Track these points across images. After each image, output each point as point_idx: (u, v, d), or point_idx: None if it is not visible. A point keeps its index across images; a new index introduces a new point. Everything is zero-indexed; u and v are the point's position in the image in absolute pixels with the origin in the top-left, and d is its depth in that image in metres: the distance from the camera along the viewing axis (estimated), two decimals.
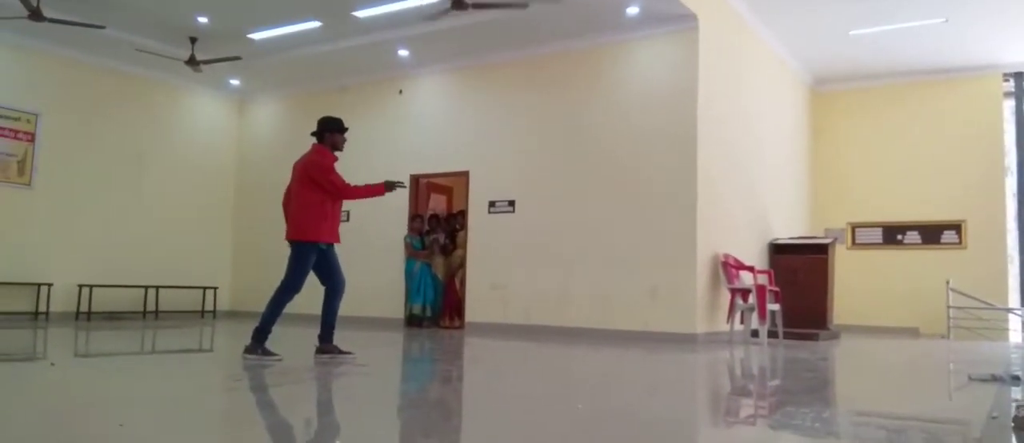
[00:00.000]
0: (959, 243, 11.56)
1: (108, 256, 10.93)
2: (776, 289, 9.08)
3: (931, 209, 11.71)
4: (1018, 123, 11.81)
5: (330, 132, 5.79)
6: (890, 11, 9.70)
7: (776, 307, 8.83)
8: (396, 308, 10.43)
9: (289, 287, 5.55)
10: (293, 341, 6.48)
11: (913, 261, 11.74)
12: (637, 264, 8.75)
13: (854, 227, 12.32)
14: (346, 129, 5.87)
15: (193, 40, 10.23)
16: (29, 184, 10.30)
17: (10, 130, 10.15)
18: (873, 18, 9.94)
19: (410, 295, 10.28)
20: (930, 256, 11.64)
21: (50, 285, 10.26)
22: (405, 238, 10.37)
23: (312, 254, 5.59)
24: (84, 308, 10.53)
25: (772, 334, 8.74)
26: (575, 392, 4.73)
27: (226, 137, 12.72)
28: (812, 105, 12.74)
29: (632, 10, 8.59)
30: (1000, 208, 11.47)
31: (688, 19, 8.62)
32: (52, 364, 5.65)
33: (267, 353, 5.46)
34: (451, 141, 10.48)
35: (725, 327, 8.85)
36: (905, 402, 4.57)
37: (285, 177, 5.85)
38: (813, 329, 9.28)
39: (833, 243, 10.23)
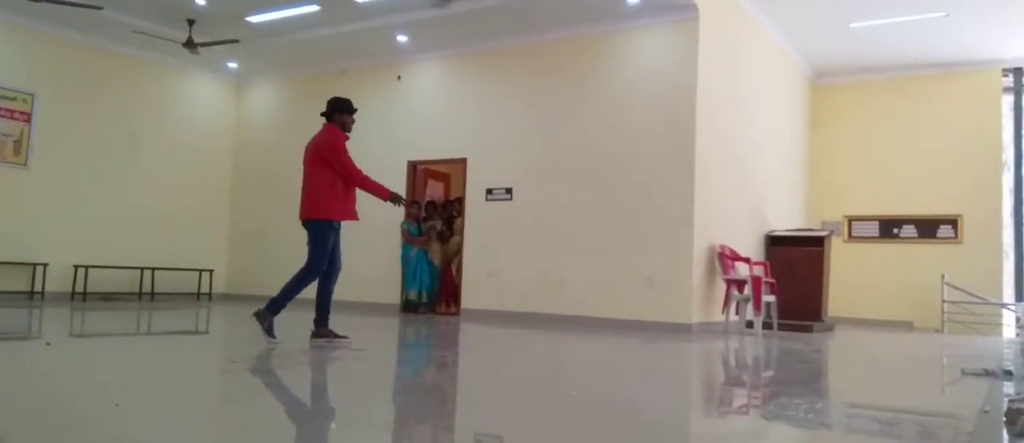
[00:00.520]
0: (955, 238, 11.58)
1: (104, 237, 10.91)
2: (772, 281, 9.10)
3: (928, 203, 11.73)
4: (1016, 119, 11.81)
5: (339, 112, 5.83)
6: (891, 4, 9.68)
7: (771, 298, 8.85)
8: (392, 294, 10.44)
9: (312, 269, 5.60)
10: (289, 325, 6.48)
11: (909, 255, 11.77)
12: (633, 253, 8.76)
13: (850, 220, 12.34)
14: (355, 110, 5.90)
15: (191, 22, 10.17)
16: (25, 164, 10.26)
17: (6, 110, 10.11)
18: (873, 11, 9.92)
19: (406, 281, 10.29)
20: (926, 250, 11.67)
21: (46, 265, 10.25)
22: (402, 224, 10.36)
23: (330, 233, 5.62)
24: (80, 289, 10.52)
25: (767, 325, 8.77)
26: (569, 379, 4.74)
27: (223, 120, 12.67)
28: (811, 98, 12.73)
29: None
30: (996, 203, 11.48)
31: (689, 9, 8.59)
32: (47, 344, 5.65)
33: (270, 333, 5.50)
34: (449, 128, 10.46)
35: (720, 318, 8.87)
36: (898, 395, 4.60)
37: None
38: (808, 321, 9.31)
39: (829, 236, 10.25)
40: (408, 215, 10.39)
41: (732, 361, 6.45)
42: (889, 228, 12.06)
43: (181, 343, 6.56)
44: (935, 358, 7.42)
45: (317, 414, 3.40)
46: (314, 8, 9.70)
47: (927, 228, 11.78)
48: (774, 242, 10.27)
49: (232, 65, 12.05)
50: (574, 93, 9.47)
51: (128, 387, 3.70)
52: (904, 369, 6.29)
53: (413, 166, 10.77)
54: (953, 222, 11.60)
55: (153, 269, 11.29)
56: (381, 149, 10.13)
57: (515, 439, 2.91)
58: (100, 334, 7.00)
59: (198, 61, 11.37)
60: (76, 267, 10.53)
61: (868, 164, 12.22)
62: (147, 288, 11.25)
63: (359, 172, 5.71)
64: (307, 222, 5.66)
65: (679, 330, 8.26)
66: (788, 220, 11.23)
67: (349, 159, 5.68)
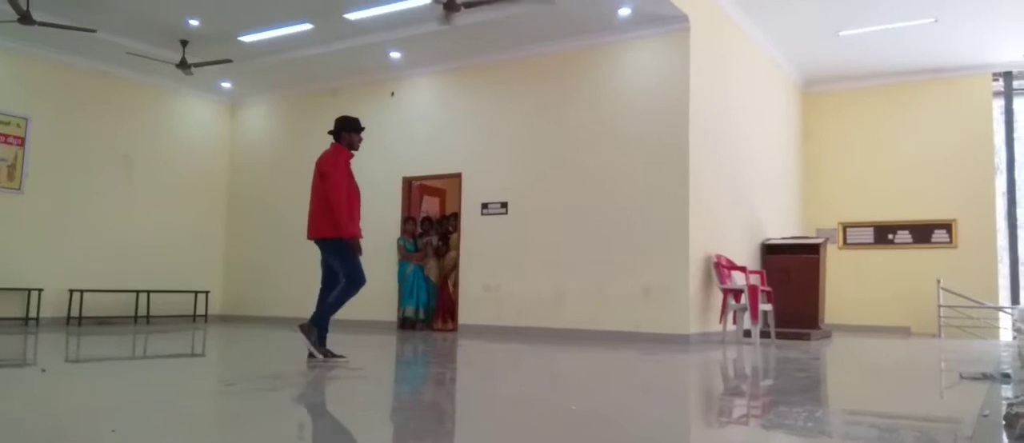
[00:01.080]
0: (950, 242, 11.62)
1: (99, 261, 10.87)
2: (768, 289, 9.11)
3: (922, 209, 11.77)
4: (1007, 122, 11.88)
5: (346, 131, 5.87)
6: (880, 12, 9.75)
7: (768, 307, 8.85)
8: (389, 311, 10.42)
9: (353, 282, 5.64)
10: (287, 346, 6.46)
11: (904, 261, 11.79)
12: (630, 265, 8.77)
13: (845, 227, 12.37)
14: (362, 128, 5.94)
15: (184, 43, 10.19)
16: (19, 189, 10.24)
17: (0, 134, 10.10)
18: (863, 19, 9.99)
19: (403, 298, 10.27)
20: (921, 255, 11.70)
21: (41, 290, 10.20)
22: (398, 241, 10.35)
23: (348, 246, 5.63)
24: (75, 313, 10.47)
25: (764, 334, 8.76)
26: (568, 393, 4.73)
27: (218, 140, 12.67)
28: (803, 106, 12.79)
29: (624, 11, 8.62)
30: (990, 207, 11.53)
31: (679, 20, 8.64)
32: (43, 370, 5.62)
33: (330, 354, 5.58)
34: (444, 143, 10.47)
35: (717, 327, 8.87)
36: (897, 401, 4.59)
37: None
38: (805, 329, 9.31)
39: (824, 243, 10.27)
40: (404, 231, 10.39)
41: (731, 371, 6.44)
42: (884, 234, 12.10)
43: (177, 366, 6.53)
44: (933, 363, 7.42)
45: (316, 435, 3.38)
46: (307, 26, 9.73)
47: (922, 233, 11.82)
48: (770, 250, 10.29)
49: (226, 85, 12.07)
50: (568, 106, 9.50)
51: (124, 412, 3.68)
52: (902, 375, 6.29)
53: (408, 182, 10.77)
54: (948, 227, 11.63)
55: (148, 292, 11.25)
56: (376, 165, 10.14)
57: None
58: (96, 359, 6.96)
59: (192, 82, 11.39)
60: (71, 291, 10.49)
61: (862, 170, 12.26)
62: (143, 311, 11.21)
63: (341, 195, 5.62)
64: (321, 241, 5.68)
65: (677, 341, 8.25)
66: (783, 228, 11.25)
67: (341, 178, 5.64)
